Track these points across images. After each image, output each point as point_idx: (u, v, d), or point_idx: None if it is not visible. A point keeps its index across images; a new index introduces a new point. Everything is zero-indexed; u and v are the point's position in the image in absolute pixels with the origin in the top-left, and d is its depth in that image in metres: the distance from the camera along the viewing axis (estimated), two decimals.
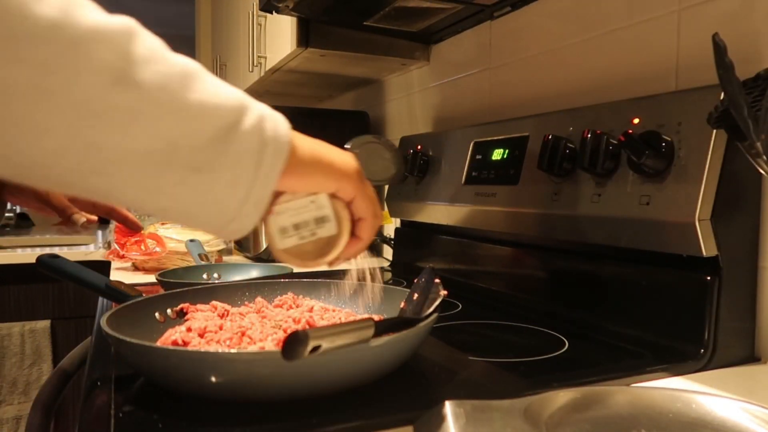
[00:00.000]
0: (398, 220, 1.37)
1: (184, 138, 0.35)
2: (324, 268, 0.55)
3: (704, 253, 0.61)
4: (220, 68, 2.19)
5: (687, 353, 0.61)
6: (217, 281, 1.09)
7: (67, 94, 0.31)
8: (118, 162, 0.34)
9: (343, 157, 0.46)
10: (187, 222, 0.40)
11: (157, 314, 0.67)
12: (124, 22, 0.35)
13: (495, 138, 0.98)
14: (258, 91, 1.86)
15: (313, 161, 0.43)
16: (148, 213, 0.40)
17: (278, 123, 0.40)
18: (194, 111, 0.35)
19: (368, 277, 0.64)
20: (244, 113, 0.38)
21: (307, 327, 0.61)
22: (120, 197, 0.37)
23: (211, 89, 0.37)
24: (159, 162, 0.35)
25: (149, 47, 0.35)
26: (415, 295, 0.63)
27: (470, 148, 1.03)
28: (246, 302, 0.75)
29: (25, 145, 0.32)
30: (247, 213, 0.40)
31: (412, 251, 1.28)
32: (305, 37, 1.27)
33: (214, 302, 0.70)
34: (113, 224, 1.50)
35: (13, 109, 0.31)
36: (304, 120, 1.64)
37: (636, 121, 0.70)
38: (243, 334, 0.59)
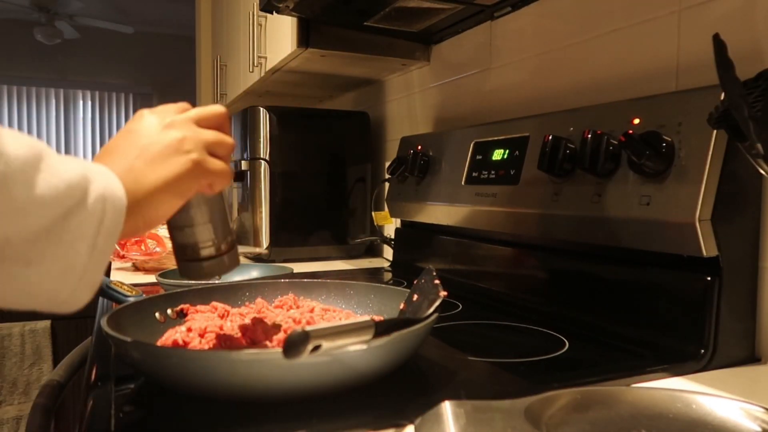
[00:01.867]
0: (398, 221, 1.37)
1: (15, 234, 0.34)
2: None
3: (705, 253, 0.61)
4: (220, 69, 2.20)
5: (687, 353, 0.61)
6: (217, 281, 1.09)
7: None
8: None
9: (173, 163, 0.45)
10: (18, 307, 0.39)
11: (157, 314, 0.67)
12: None
13: (495, 138, 0.98)
14: (258, 92, 1.86)
15: (152, 202, 0.43)
16: None
17: (115, 194, 0.40)
18: (25, 206, 0.34)
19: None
20: (84, 198, 0.37)
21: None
22: None
23: (52, 179, 0.36)
24: None
25: None
26: (415, 296, 0.63)
27: (470, 149, 1.03)
28: (246, 303, 0.75)
29: None
30: (80, 292, 0.39)
31: (412, 251, 1.28)
32: (305, 37, 1.27)
33: (214, 303, 0.70)
34: None
35: None
36: (304, 120, 1.64)
37: (636, 121, 0.70)
38: (243, 334, 0.59)
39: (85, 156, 5.61)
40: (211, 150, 0.48)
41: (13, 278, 0.36)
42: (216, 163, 0.48)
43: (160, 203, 0.44)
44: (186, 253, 0.52)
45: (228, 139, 0.50)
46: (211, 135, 0.49)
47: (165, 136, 0.46)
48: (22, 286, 0.36)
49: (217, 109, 0.51)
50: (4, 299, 0.37)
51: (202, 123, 0.49)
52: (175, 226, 0.51)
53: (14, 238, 0.34)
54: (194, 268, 0.52)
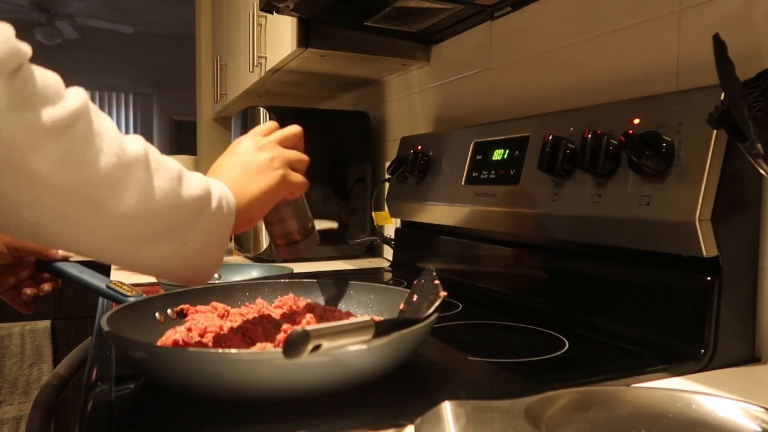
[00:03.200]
0: (398, 221, 1.37)
1: (179, 222, 0.49)
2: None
3: (704, 253, 0.61)
4: (220, 69, 2.20)
5: (687, 353, 0.61)
6: (217, 281, 1.09)
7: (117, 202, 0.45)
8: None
9: (266, 177, 0.59)
10: (172, 279, 0.53)
11: (157, 314, 0.67)
12: (140, 147, 0.46)
13: (495, 138, 0.98)
14: (258, 92, 1.86)
15: (252, 206, 0.57)
16: (132, 269, 0.51)
17: (228, 197, 0.54)
18: (182, 205, 0.49)
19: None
20: (210, 198, 0.51)
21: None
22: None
23: (193, 185, 0.50)
24: (162, 235, 0.48)
25: (156, 160, 0.48)
26: (415, 296, 0.63)
27: (470, 149, 1.03)
28: (246, 303, 0.75)
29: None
30: (212, 269, 0.55)
31: (412, 251, 1.28)
32: (305, 37, 1.27)
33: (214, 303, 0.70)
34: None
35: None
36: (304, 120, 1.65)
37: (636, 121, 0.70)
38: (243, 334, 0.59)
39: None
40: (292, 166, 0.62)
41: (173, 253, 0.49)
42: (296, 177, 0.62)
43: (257, 206, 0.58)
44: (282, 240, 0.68)
45: (304, 157, 0.64)
46: (293, 154, 0.62)
47: (259, 156, 0.59)
48: (181, 259, 0.50)
49: (294, 130, 0.65)
50: (160, 270, 0.51)
51: (285, 143, 0.63)
52: (271, 221, 0.67)
53: (179, 224, 0.49)
54: (287, 250, 0.69)
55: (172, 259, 0.50)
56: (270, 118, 1.41)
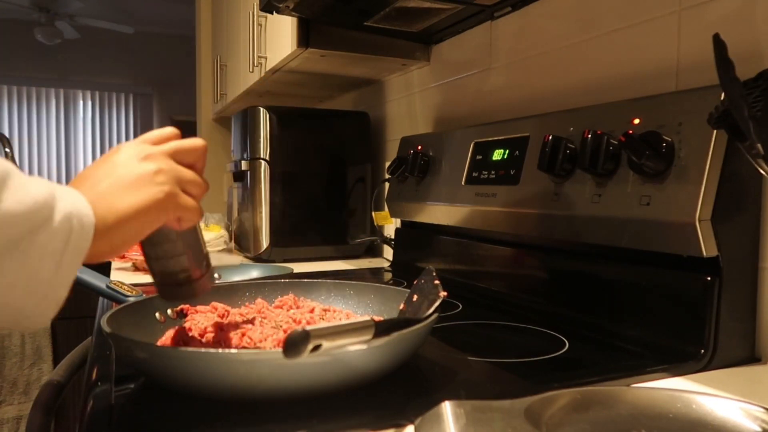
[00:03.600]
0: (398, 221, 1.37)
1: None
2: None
3: (705, 253, 0.61)
4: (220, 69, 2.20)
5: (687, 353, 0.61)
6: (217, 281, 1.09)
7: None
8: None
9: (144, 192, 0.46)
10: None
11: (157, 314, 0.67)
12: None
13: (495, 138, 0.98)
14: (258, 92, 1.86)
15: (121, 228, 0.44)
16: None
17: (82, 213, 0.40)
18: None
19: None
20: (50, 214, 0.38)
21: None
22: None
23: (18, 196, 0.36)
24: None
25: None
26: (415, 297, 0.63)
27: (470, 149, 1.03)
28: (246, 303, 0.75)
29: None
30: (44, 309, 0.40)
31: (412, 251, 1.28)
32: (305, 37, 1.27)
33: (214, 303, 0.70)
34: None
35: None
36: (304, 120, 1.64)
37: (636, 121, 0.70)
38: (243, 334, 0.59)
39: (85, 156, 5.62)
40: (184, 187, 0.49)
41: None
42: (187, 200, 0.49)
43: (128, 230, 0.44)
44: (163, 279, 0.55)
45: (201, 181, 0.51)
46: (187, 174, 0.50)
47: (140, 167, 0.47)
48: None
49: (195, 143, 0.52)
50: None
51: (179, 157, 0.50)
52: (152, 257, 0.54)
53: None
54: (171, 293, 0.56)
55: None
56: (270, 118, 1.41)
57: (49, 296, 0.39)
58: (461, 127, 1.12)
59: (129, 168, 0.46)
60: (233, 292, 0.76)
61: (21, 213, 0.36)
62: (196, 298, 0.57)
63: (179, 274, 0.54)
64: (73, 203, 0.40)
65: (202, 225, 1.31)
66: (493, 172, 0.95)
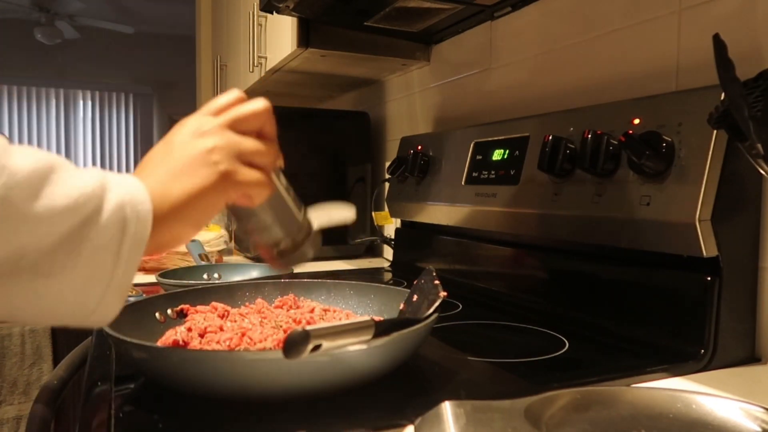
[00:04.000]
0: (398, 221, 1.37)
1: (30, 245, 0.34)
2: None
3: (705, 253, 0.61)
4: (220, 69, 2.20)
5: (687, 354, 0.61)
6: (217, 281, 1.09)
7: None
8: None
9: (196, 176, 0.42)
10: (44, 323, 0.39)
11: (157, 314, 0.67)
12: None
13: (495, 138, 0.98)
14: (258, 92, 1.86)
15: (176, 216, 0.41)
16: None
17: (137, 201, 0.38)
18: (36, 217, 0.34)
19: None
20: (99, 205, 0.36)
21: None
22: None
23: (62, 190, 0.35)
24: (5, 272, 0.34)
25: None
26: (415, 297, 0.63)
27: (471, 149, 1.03)
28: (246, 303, 0.75)
29: None
30: (108, 303, 0.38)
31: (412, 251, 1.28)
32: (306, 37, 1.27)
33: (214, 303, 0.70)
34: None
35: None
36: (304, 120, 1.64)
37: (636, 121, 0.70)
38: (243, 334, 0.59)
39: (85, 156, 5.62)
40: (248, 159, 0.45)
41: (33, 291, 0.35)
42: (248, 174, 0.45)
43: (187, 217, 0.42)
44: (267, 252, 0.55)
45: (266, 149, 0.47)
46: (248, 145, 0.45)
47: (194, 146, 0.43)
48: (44, 299, 0.35)
49: (256, 107, 0.47)
50: (27, 314, 0.36)
51: (241, 126, 0.46)
52: (247, 231, 0.53)
53: (29, 251, 0.34)
54: (277, 263, 0.55)
55: (32, 300, 0.35)
56: None
57: (110, 290, 0.37)
58: (461, 127, 1.12)
59: (184, 149, 0.43)
60: (233, 292, 0.76)
61: (66, 207, 0.35)
62: (299, 263, 0.56)
63: (278, 245, 0.54)
64: (127, 191, 0.38)
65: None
66: (493, 172, 0.95)
